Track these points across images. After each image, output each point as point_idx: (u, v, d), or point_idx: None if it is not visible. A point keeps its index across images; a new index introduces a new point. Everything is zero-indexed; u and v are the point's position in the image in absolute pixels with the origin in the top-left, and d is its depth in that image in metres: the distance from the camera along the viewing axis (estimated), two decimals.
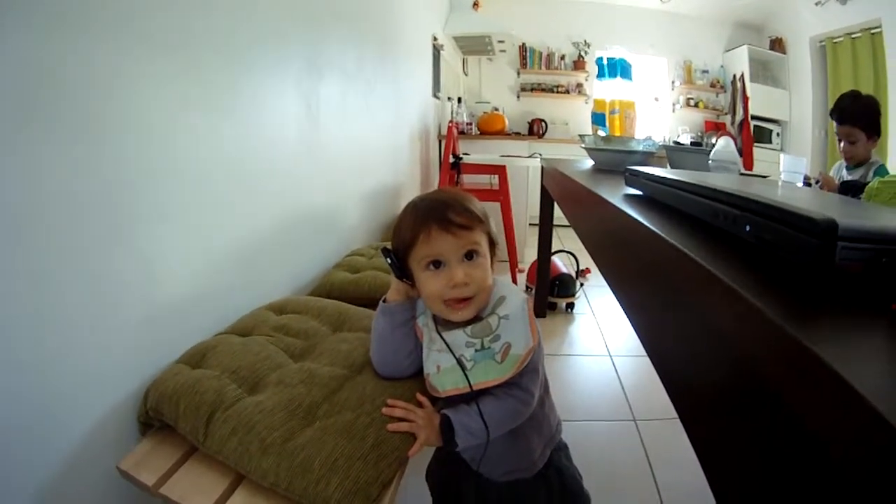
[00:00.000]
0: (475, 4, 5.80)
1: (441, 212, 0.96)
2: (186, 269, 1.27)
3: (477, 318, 1.01)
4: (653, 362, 0.77)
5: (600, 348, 2.85)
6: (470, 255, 0.98)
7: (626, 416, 2.17)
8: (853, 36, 5.19)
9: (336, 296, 1.67)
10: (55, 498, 0.93)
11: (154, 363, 1.15)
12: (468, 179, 3.94)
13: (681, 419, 0.62)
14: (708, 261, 0.53)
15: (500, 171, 3.85)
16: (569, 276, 3.36)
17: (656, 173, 1.02)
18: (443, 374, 0.99)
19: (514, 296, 1.03)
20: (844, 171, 2.73)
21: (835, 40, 5.48)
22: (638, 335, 0.85)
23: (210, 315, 1.36)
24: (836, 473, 0.32)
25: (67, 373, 0.94)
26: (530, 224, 4.25)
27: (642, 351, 2.43)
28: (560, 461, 1.17)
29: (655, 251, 0.70)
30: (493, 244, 1.04)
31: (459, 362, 0.97)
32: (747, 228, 0.57)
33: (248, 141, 1.54)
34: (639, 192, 1.10)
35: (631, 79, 7.12)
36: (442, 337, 1.00)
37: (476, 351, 0.97)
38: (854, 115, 2.62)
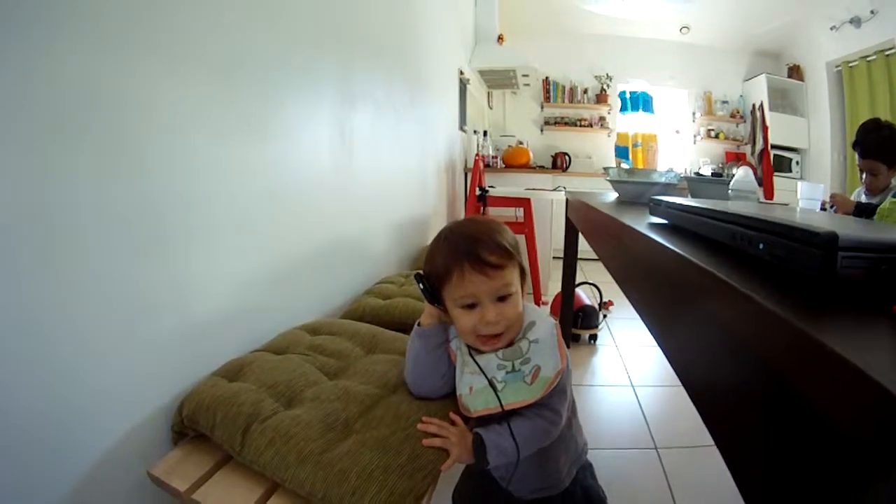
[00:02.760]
0: (500, 38, 5.90)
1: (474, 250, 0.98)
2: (221, 288, 1.31)
3: (508, 343, 1.03)
4: (681, 380, 0.79)
5: (622, 379, 2.84)
6: (503, 298, 1.00)
7: (648, 444, 2.17)
8: (868, 59, 5.20)
9: (368, 320, 1.69)
10: (84, 497, 0.96)
11: (188, 377, 1.19)
12: (494, 212, 3.98)
13: (716, 442, 0.64)
14: (728, 276, 0.57)
15: (524, 203, 3.89)
16: (592, 307, 3.36)
17: (678, 202, 1.05)
18: (475, 394, 1.01)
19: (544, 321, 1.06)
20: (863, 196, 2.75)
21: (850, 64, 5.49)
22: (666, 355, 0.87)
23: (244, 333, 1.40)
24: (851, 451, 0.36)
25: (103, 380, 0.98)
26: (554, 257, 4.27)
27: (664, 381, 2.44)
28: (586, 479, 1.19)
29: (680, 272, 0.74)
30: (523, 275, 1.06)
31: (491, 383, 0.99)
32: (761, 247, 0.61)
33: (284, 166, 1.60)
34: (662, 221, 1.13)
35: (653, 111, 7.18)
36: (475, 360, 1.02)
37: (507, 373, 0.99)
38: (877, 149, 2.64)
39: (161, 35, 1.08)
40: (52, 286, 0.86)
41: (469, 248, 0.98)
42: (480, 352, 1.04)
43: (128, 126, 1.00)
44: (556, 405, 1.03)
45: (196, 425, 1.06)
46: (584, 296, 3.46)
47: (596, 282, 3.73)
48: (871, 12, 5.01)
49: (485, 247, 0.98)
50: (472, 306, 1.00)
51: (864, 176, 2.70)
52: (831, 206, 2.55)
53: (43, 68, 0.83)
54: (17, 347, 0.81)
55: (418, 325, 1.11)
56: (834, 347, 0.35)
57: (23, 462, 0.84)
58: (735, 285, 0.53)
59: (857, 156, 2.73)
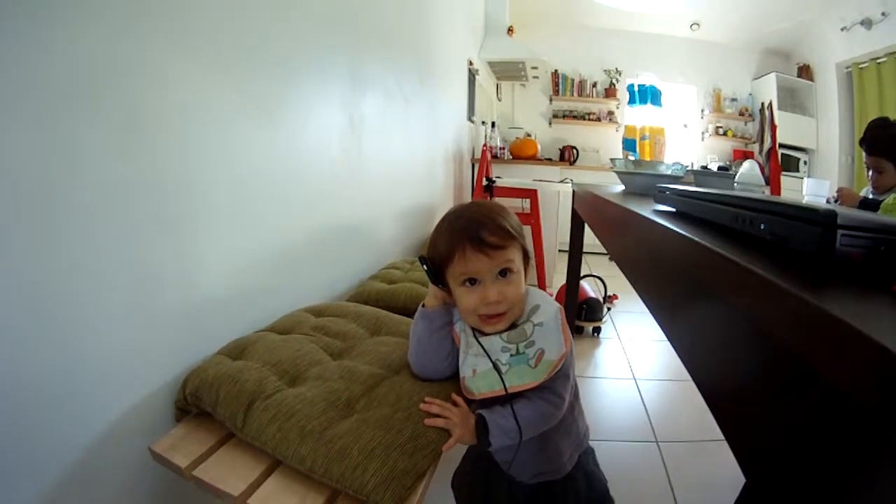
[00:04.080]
0: (510, 30, 5.88)
1: (475, 231, 0.99)
2: (226, 267, 1.32)
3: (512, 326, 1.04)
4: (687, 367, 0.79)
5: (625, 372, 2.85)
6: (504, 273, 1.01)
7: (649, 437, 2.18)
8: (878, 61, 5.17)
9: (373, 304, 1.70)
10: (87, 472, 0.96)
11: (191, 355, 1.19)
12: (500, 202, 3.98)
13: (725, 435, 0.64)
14: (732, 254, 0.58)
15: (531, 194, 3.89)
16: (596, 300, 3.37)
17: (683, 188, 1.06)
18: (478, 377, 1.02)
19: (548, 304, 1.06)
20: (870, 195, 2.73)
21: (860, 66, 5.46)
22: (672, 343, 0.87)
23: (248, 314, 1.40)
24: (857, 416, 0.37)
25: (105, 355, 0.98)
26: (560, 250, 4.27)
27: (667, 376, 2.45)
28: (588, 465, 1.19)
29: (685, 254, 0.75)
30: (526, 258, 1.07)
31: (495, 366, 1.00)
32: (762, 227, 0.62)
33: (293, 150, 1.61)
34: (668, 208, 1.14)
35: (661, 105, 7.14)
36: (479, 342, 1.03)
37: (511, 356, 1.00)
38: (882, 146, 2.63)
39: (178, 19, 1.09)
40: (55, 261, 0.87)
41: (471, 229, 0.99)
42: (484, 334, 1.04)
43: (137, 104, 1.01)
44: (559, 389, 1.03)
45: (199, 402, 1.06)
46: (589, 288, 3.46)
47: (601, 275, 3.73)
48: (882, 14, 4.98)
49: (485, 228, 0.99)
50: (473, 282, 1.01)
51: (870, 173, 2.68)
52: (836, 200, 2.54)
53: (58, 44, 0.84)
54: (20, 322, 0.82)
55: (422, 306, 1.12)
56: (835, 313, 0.37)
57: (25, 437, 0.85)
58: (739, 262, 0.54)
59: (863, 153, 2.71)
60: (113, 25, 0.93)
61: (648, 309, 1.07)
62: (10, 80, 0.78)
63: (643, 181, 2.03)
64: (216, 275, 1.28)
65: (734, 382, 0.62)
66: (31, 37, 0.80)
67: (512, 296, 1.01)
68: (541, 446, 1.09)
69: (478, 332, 1.05)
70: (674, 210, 1.10)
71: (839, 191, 2.65)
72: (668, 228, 0.83)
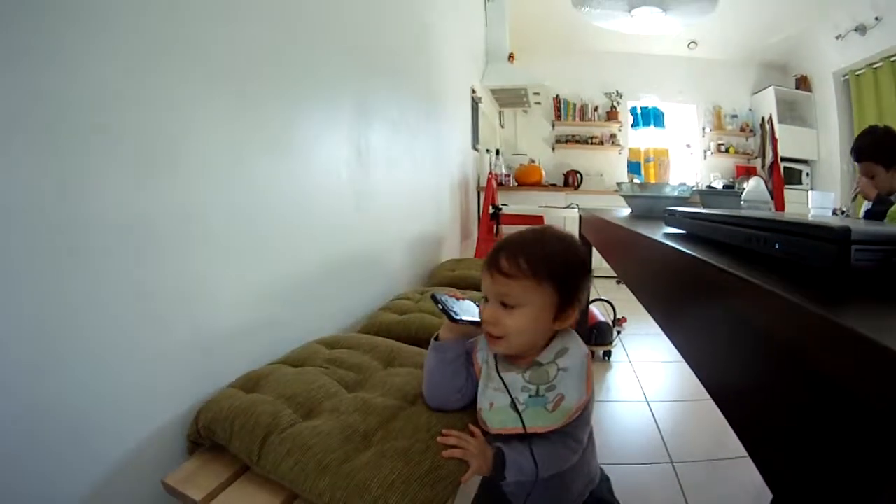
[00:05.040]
0: (510, 57, 5.95)
1: (497, 252, 1.01)
2: (237, 300, 1.32)
3: (536, 364, 1.03)
4: (705, 386, 0.79)
5: (637, 395, 2.82)
6: (505, 305, 1.00)
7: (664, 458, 2.16)
8: (874, 66, 5.20)
9: (384, 335, 1.69)
10: None
11: (204, 388, 1.20)
12: (507, 230, 3.99)
13: (748, 451, 0.64)
14: (750, 275, 0.58)
15: (538, 221, 3.91)
16: (606, 324, 3.35)
17: (694, 211, 1.06)
18: (495, 411, 1.02)
19: (577, 350, 1.04)
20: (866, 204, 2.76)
21: (857, 73, 5.49)
22: (689, 363, 0.87)
23: (260, 346, 1.40)
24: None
25: (117, 388, 0.98)
26: None
27: (678, 396, 2.44)
28: (602, 493, 1.18)
29: (702, 276, 0.75)
30: (559, 299, 1.01)
31: (514, 403, 1.00)
32: (777, 246, 0.63)
33: (302, 182, 1.62)
34: (678, 231, 1.14)
35: (664, 126, 7.20)
36: (501, 377, 1.02)
37: (530, 396, 1.00)
38: (869, 150, 2.65)
39: (185, 50, 1.11)
40: (66, 294, 0.87)
41: (497, 251, 1.02)
42: (507, 368, 1.04)
43: (144, 134, 1.02)
44: (579, 434, 1.04)
45: (213, 435, 1.06)
46: (598, 313, 3.44)
47: (609, 298, 3.72)
48: (876, 19, 5.04)
49: (505, 254, 1.00)
50: (486, 299, 1.02)
51: (855, 185, 2.72)
52: (843, 213, 2.56)
53: (83, 76, 0.86)
54: (31, 355, 0.82)
55: (435, 338, 1.12)
56: (855, 328, 0.38)
57: (37, 470, 0.85)
58: (758, 283, 0.55)
59: (855, 163, 2.76)
60: (130, 59, 0.96)
61: (663, 331, 1.07)
62: (40, 112, 0.80)
63: (650, 204, 2.04)
64: (227, 307, 1.28)
65: (756, 399, 0.62)
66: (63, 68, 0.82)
67: (508, 326, 0.99)
68: (552, 485, 1.08)
69: (501, 367, 1.05)
70: (684, 232, 1.10)
71: (858, 181, 2.68)
72: (684, 252, 0.83)
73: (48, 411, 0.85)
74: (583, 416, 1.01)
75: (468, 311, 1.11)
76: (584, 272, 1.05)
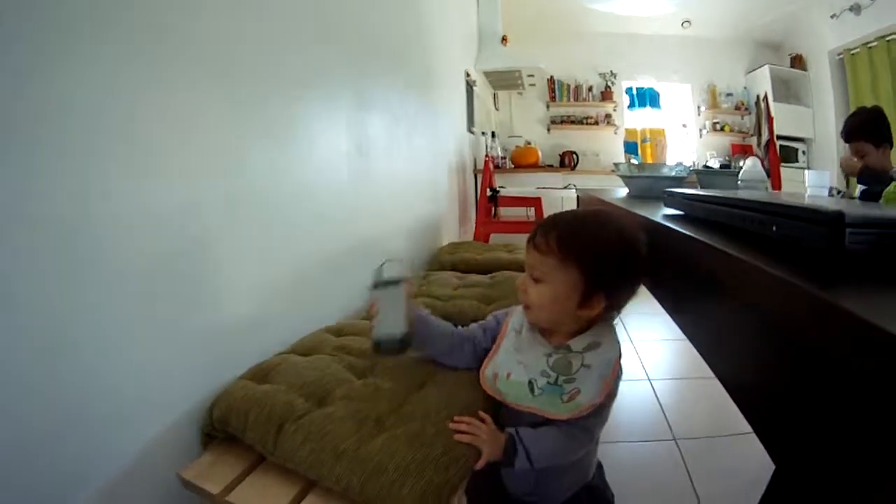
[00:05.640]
0: (503, 39, 5.91)
1: (538, 227, 1.04)
2: (244, 292, 1.34)
3: (566, 348, 1.03)
4: (710, 365, 0.81)
5: (639, 373, 2.86)
6: (533, 278, 1.03)
7: (666, 435, 2.19)
8: (869, 45, 5.21)
9: None
10: (115, 499, 0.97)
11: (214, 380, 1.21)
12: (505, 212, 4.01)
13: (751, 424, 0.66)
14: (749, 256, 0.60)
15: (535, 202, 3.92)
16: None
17: (693, 192, 1.08)
18: (511, 383, 1.05)
19: (610, 349, 1.04)
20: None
21: (852, 52, 5.50)
22: (693, 342, 0.89)
23: (268, 336, 1.41)
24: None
25: (130, 382, 0.99)
26: None
27: (679, 374, 2.46)
28: (593, 479, 1.20)
29: (702, 257, 0.77)
30: (585, 284, 0.99)
31: (530, 384, 1.02)
32: (774, 229, 0.65)
33: (305, 172, 1.64)
34: (677, 212, 1.16)
35: (660, 107, 7.20)
36: (526, 352, 1.07)
37: (548, 383, 1.01)
38: (857, 129, 2.68)
39: (186, 47, 1.12)
40: (80, 288, 0.88)
41: (542, 222, 1.06)
42: (538, 341, 1.07)
43: (148, 129, 1.03)
44: (593, 429, 1.06)
45: (227, 427, 1.07)
46: None
47: None
48: None
49: (542, 229, 1.03)
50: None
51: (842, 160, 2.76)
52: (839, 193, 2.58)
53: (60, 74, 0.86)
54: (46, 349, 0.83)
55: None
56: (849, 307, 0.40)
57: (52, 463, 0.86)
58: (759, 265, 0.56)
59: (846, 144, 2.79)
60: (133, 56, 0.97)
61: (665, 310, 1.09)
62: (62, 119, 0.81)
63: (648, 184, 2.05)
64: (235, 299, 1.30)
65: (758, 375, 0.65)
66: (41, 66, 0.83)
67: (532, 297, 1.03)
68: (545, 473, 1.10)
69: (532, 336, 1.08)
70: (683, 213, 1.12)
71: (841, 160, 2.72)
72: (687, 235, 0.85)
73: (61, 406, 0.86)
74: (601, 414, 1.03)
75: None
76: (622, 266, 1.01)
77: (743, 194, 0.95)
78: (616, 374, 1.03)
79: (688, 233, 0.85)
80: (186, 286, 1.14)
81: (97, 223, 0.91)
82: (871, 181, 2.46)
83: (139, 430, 1.03)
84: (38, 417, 0.83)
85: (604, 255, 0.99)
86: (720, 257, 0.69)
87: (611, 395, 1.03)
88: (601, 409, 1.03)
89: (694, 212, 1.03)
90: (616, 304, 1.04)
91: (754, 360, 0.65)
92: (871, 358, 0.38)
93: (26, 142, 0.79)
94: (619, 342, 1.06)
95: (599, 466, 1.24)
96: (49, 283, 0.83)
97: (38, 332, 0.82)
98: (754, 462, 1.85)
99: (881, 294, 0.48)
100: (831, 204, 0.66)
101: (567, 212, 1.09)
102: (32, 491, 0.83)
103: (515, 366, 1.06)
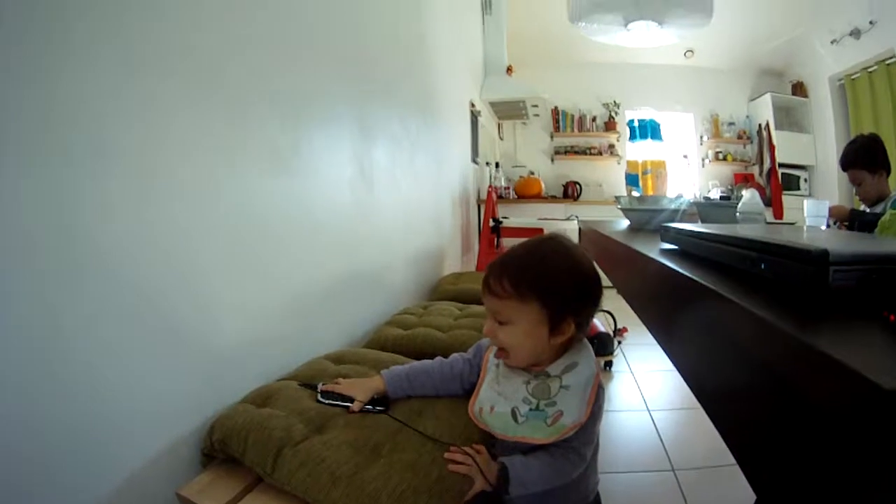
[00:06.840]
0: (508, 70, 5.99)
1: (488, 272, 1.06)
2: (248, 316, 1.36)
3: (545, 374, 1.06)
4: (696, 395, 0.82)
5: (638, 403, 2.86)
6: (499, 321, 1.05)
7: (665, 466, 2.19)
8: (869, 70, 5.23)
9: (390, 350, 1.73)
10: None
11: (214, 402, 1.23)
12: (508, 243, 4.03)
13: (734, 455, 0.67)
14: (732, 294, 0.62)
15: (537, 234, 3.93)
16: (607, 334, 3.37)
17: (687, 228, 1.10)
18: (496, 416, 1.06)
19: (586, 367, 1.06)
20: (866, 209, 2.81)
21: (852, 77, 5.52)
22: (681, 373, 0.90)
23: (270, 362, 1.44)
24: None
25: (132, 401, 1.01)
26: None
27: (679, 404, 2.46)
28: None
29: (690, 293, 0.79)
30: (549, 313, 1.02)
31: (513, 414, 1.04)
32: (763, 266, 0.66)
33: (307, 199, 1.67)
34: (673, 246, 1.18)
35: (661, 139, 7.23)
36: (506, 383, 1.08)
37: (531, 410, 1.03)
38: (853, 157, 2.72)
39: (186, 68, 1.16)
40: (83, 305, 0.90)
41: (489, 266, 1.07)
42: (515, 373, 1.09)
43: (149, 154, 1.05)
44: (583, 451, 1.06)
45: (226, 448, 1.09)
46: (599, 323, 3.47)
47: (610, 309, 3.74)
48: (871, 23, 5.07)
49: (493, 274, 1.05)
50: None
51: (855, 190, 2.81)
52: (835, 223, 2.63)
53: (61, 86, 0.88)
54: (48, 365, 0.84)
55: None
56: (813, 344, 0.42)
57: (52, 479, 0.86)
58: (740, 302, 0.58)
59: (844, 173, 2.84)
60: (122, 77, 1.00)
61: (657, 342, 1.10)
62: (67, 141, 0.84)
63: (647, 216, 2.07)
64: (238, 323, 1.32)
65: (740, 408, 0.66)
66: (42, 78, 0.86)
67: (504, 341, 1.05)
68: (546, 496, 1.10)
69: (507, 371, 1.10)
70: (678, 249, 1.14)
71: (830, 210, 2.74)
72: (677, 272, 0.87)
73: (61, 425, 0.87)
74: (587, 433, 1.04)
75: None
76: (579, 286, 1.05)
77: (734, 230, 0.97)
78: (596, 391, 1.05)
79: (675, 266, 0.87)
80: (188, 308, 1.16)
81: (96, 237, 0.93)
82: (864, 227, 2.48)
83: (138, 448, 1.04)
84: (37, 432, 0.84)
85: (559, 282, 1.03)
86: (702, 291, 0.71)
87: (594, 413, 1.04)
88: (586, 429, 1.04)
89: (687, 247, 1.05)
90: (585, 321, 1.08)
91: (735, 392, 0.67)
92: (832, 388, 0.40)
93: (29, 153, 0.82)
94: (594, 359, 1.10)
95: (597, 498, 1.24)
96: (47, 301, 0.85)
97: (38, 349, 0.83)
98: (752, 493, 1.84)
99: (854, 329, 0.50)
100: (819, 241, 0.67)
101: (513, 248, 1.10)
102: (33, 502, 0.84)
103: (497, 398, 1.08)
